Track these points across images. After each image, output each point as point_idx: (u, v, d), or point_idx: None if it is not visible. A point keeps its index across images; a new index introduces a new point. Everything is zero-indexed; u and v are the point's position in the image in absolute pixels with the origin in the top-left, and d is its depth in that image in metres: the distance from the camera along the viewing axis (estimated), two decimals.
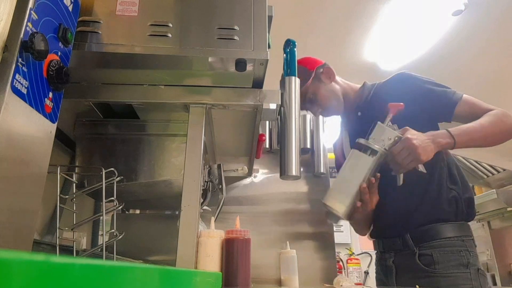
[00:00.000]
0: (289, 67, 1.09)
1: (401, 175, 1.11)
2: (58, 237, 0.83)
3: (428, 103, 1.20)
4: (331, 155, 1.99)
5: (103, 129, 1.10)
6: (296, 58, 1.11)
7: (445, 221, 1.14)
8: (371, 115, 1.25)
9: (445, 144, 1.07)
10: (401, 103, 1.14)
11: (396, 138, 1.09)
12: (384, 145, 1.10)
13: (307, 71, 1.37)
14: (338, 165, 1.53)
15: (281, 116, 1.04)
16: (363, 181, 1.11)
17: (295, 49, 1.12)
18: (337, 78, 1.41)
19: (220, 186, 1.21)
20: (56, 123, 0.68)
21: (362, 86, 1.39)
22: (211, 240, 0.84)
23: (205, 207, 1.22)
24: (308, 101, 1.38)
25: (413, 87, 1.23)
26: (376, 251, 1.35)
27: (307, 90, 1.36)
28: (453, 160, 1.24)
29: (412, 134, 1.07)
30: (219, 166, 1.24)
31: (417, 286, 1.01)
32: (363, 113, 1.34)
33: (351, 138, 1.39)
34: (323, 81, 1.37)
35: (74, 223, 0.85)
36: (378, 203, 1.21)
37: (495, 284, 3.09)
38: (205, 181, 1.19)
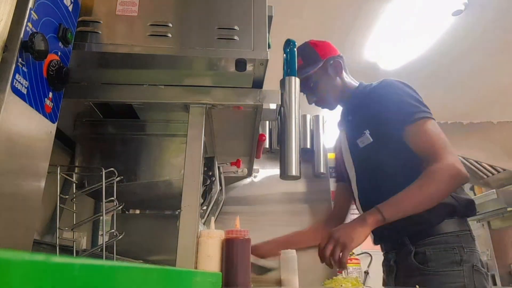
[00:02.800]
0: (289, 67, 1.09)
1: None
2: (58, 237, 0.83)
3: (390, 113, 1.19)
4: (331, 155, 1.99)
5: (103, 129, 1.10)
6: (296, 58, 1.11)
7: (441, 220, 1.14)
8: (356, 120, 1.32)
9: (374, 222, 1.04)
10: None
11: None
12: None
13: (317, 57, 1.34)
14: (338, 165, 1.53)
15: (281, 116, 1.04)
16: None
17: (295, 49, 1.12)
18: (344, 74, 1.38)
19: (214, 178, 1.21)
20: (56, 123, 0.68)
21: (357, 87, 1.38)
22: (211, 240, 0.84)
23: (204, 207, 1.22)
24: (307, 87, 1.36)
25: (388, 96, 1.22)
26: (383, 252, 1.36)
27: (310, 76, 1.33)
28: None
29: (335, 228, 1.07)
30: (211, 159, 1.24)
31: (417, 286, 1.00)
32: (352, 118, 1.36)
33: (348, 140, 1.39)
34: (329, 73, 1.35)
35: (74, 223, 0.85)
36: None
37: (495, 284, 3.08)
38: (205, 185, 1.19)
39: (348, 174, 1.40)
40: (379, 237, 1.29)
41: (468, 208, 1.16)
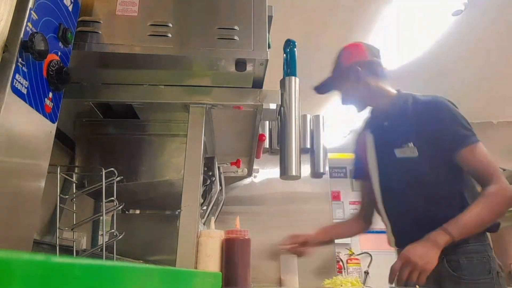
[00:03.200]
0: (289, 67, 1.09)
1: None
2: (58, 237, 0.83)
3: (444, 134, 1.22)
4: (331, 155, 1.99)
5: (103, 129, 1.10)
6: (296, 58, 1.11)
7: None
8: (396, 129, 1.32)
9: (444, 243, 1.08)
10: None
11: None
12: None
13: (341, 63, 1.41)
14: (358, 162, 1.54)
15: (281, 116, 1.04)
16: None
17: (295, 49, 1.12)
18: (373, 78, 1.38)
19: (214, 178, 1.21)
20: (56, 123, 0.68)
21: (396, 94, 1.38)
22: (211, 240, 0.84)
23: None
24: (337, 90, 1.44)
25: (442, 117, 1.24)
26: None
27: (335, 80, 1.42)
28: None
29: (408, 249, 1.09)
30: (211, 159, 1.24)
31: (417, 286, 1.01)
32: (389, 124, 1.35)
33: (376, 143, 1.42)
34: (350, 79, 1.38)
35: (74, 223, 0.85)
36: (403, 216, 1.29)
37: None
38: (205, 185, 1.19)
39: (369, 173, 1.43)
40: (405, 241, 1.21)
41: (494, 225, 1.21)
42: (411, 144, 1.26)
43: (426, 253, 1.06)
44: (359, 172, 1.53)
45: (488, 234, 1.23)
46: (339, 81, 1.41)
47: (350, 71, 1.37)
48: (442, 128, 1.23)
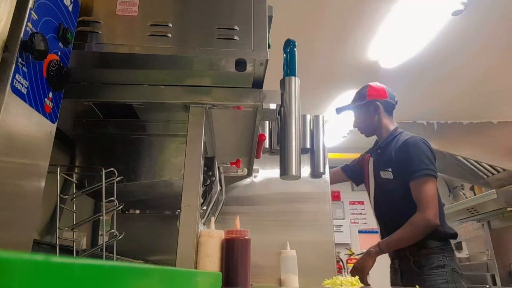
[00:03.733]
0: (289, 67, 1.09)
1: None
2: (58, 237, 0.83)
3: (407, 165, 1.62)
4: (331, 155, 2.00)
5: (103, 129, 1.10)
6: (296, 58, 1.11)
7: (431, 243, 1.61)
8: (383, 157, 1.76)
9: (376, 254, 1.63)
10: None
11: None
12: None
13: (365, 96, 1.83)
14: (354, 166, 2.05)
15: (281, 116, 1.04)
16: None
17: (295, 49, 1.11)
18: (384, 115, 1.80)
19: (214, 178, 1.21)
20: (56, 123, 0.68)
21: (392, 131, 1.79)
22: (211, 240, 0.84)
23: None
24: (354, 115, 1.90)
25: (409, 152, 1.64)
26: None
27: (355, 108, 1.87)
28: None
29: (358, 260, 1.69)
30: (211, 159, 1.24)
31: (417, 286, 1.02)
32: (381, 152, 1.79)
33: (373, 164, 1.85)
34: (369, 111, 1.81)
35: (74, 223, 0.85)
36: (384, 221, 1.80)
37: (495, 284, 3.08)
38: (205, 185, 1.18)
39: (368, 186, 1.89)
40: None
41: (451, 237, 1.63)
42: (389, 169, 1.70)
43: (363, 262, 1.65)
44: (347, 168, 2.08)
45: (450, 241, 1.63)
46: (359, 109, 1.83)
47: (371, 104, 1.79)
48: (407, 160, 1.63)
